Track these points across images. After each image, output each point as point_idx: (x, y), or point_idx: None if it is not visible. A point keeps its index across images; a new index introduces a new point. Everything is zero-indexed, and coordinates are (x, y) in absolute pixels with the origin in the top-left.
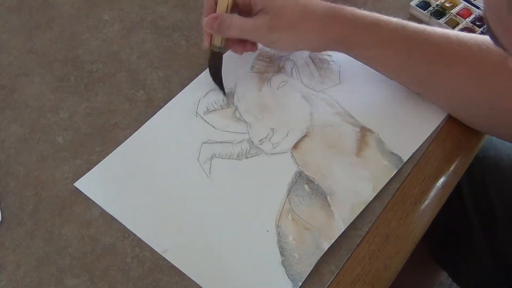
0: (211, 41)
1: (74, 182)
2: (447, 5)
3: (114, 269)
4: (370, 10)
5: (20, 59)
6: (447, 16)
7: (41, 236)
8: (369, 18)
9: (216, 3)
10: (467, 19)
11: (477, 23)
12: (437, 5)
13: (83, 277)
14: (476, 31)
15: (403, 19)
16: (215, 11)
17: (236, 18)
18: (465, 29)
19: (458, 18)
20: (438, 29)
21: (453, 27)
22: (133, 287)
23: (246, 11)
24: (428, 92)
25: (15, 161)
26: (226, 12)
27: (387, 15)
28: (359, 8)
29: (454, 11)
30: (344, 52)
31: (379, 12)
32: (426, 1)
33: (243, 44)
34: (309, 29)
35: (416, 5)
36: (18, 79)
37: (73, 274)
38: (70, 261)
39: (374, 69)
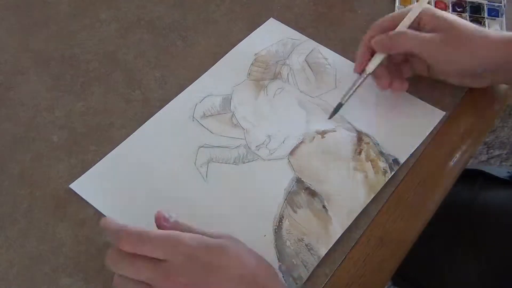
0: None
1: (69, 181)
2: None
3: (107, 269)
4: (364, 14)
5: (16, 57)
6: None
7: (34, 235)
8: None
9: (382, 31)
10: (448, 10)
11: (458, 9)
12: None
13: (77, 277)
14: (465, 18)
15: None
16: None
17: (410, 31)
18: None
19: None
20: None
21: None
22: None
23: None
24: None
25: (9, 160)
26: None
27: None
28: (356, 11)
29: None
30: None
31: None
32: (405, 6)
33: (391, 78)
34: (484, 46)
35: None
36: (13, 77)
37: (66, 274)
38: (64, 261)
39: None
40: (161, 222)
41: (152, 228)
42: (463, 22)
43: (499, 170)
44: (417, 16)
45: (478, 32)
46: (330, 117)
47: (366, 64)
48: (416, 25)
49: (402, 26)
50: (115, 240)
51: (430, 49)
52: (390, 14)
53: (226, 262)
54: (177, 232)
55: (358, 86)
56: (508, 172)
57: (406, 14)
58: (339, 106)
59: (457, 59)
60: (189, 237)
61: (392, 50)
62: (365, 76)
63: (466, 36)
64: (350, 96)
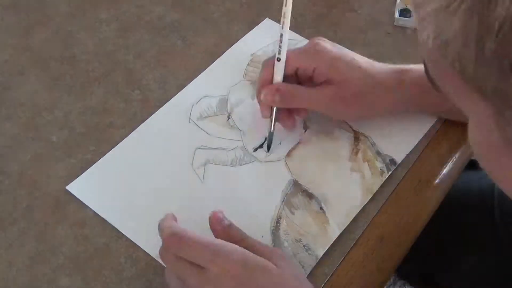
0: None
1: (68, 181)
2: None
3: (107, 269)
4: (364, 14)
5: (15, 57)
6: None
7: (34, 235)
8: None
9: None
10: None
11: None
12: None
13: (76, 277)
14: None
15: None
16: (270, 83)
17: (301, 89)
18: None
19: None
20: None
21: None
22: None
23: (305, 82)
24: None
25: (9, 160)
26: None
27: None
28: (356, 11)
29: None
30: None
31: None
32: (405, 9)
33: (291, 117)
34: (375, 99)
35: (399, 16)
36: (13, 77)
37: (66, 274)
38: (63, 261)
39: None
40: (214, 223)
41: (156, 237)
42: (354, 74)
43: None
44: (312, 62)
45: (367, 83)
46: (268, 150)
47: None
48: (310, 73)
49: (278, 77)
50: (162, 240)
51: (321, 106)
52: (266, 61)
53: (262, 284)
54: (220, 242)
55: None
56: None
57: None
58: (271, 136)
59: (347, 113)
60: (230, 250)
61: (282, 106)
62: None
63: (355, 91)
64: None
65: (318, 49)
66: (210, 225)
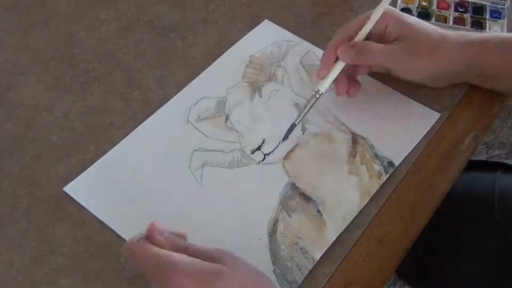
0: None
1: (68, 181)
2: (424, 4)
3: (107, 269)
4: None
5: (15, 57)
6: (433, 15)
7: (34, 235)
8: (501, 36)
9: (348, 37)
10: (450, 10)
11: (460, 10)
12: (417, 7)
13: (76, 277)
14: (466, 18)
15: None
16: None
17: (376, 44)
18: (456, 19)
19: (443, 12)
20: None
21: (445, 22)
22: None
23: (378, 41)
24: None
25: (9, 159)
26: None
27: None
28: (356, 11)
29: (434, 7)
30: (480, 81)
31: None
32: (406, 8)
33: (348, 84)
34: (446, 54)
35: None
36: (13, 77)
37: (66, 274)
38: (63, 261)
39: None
40: (154, 235)
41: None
42: (426, 29)
43: None
44: (383, 21)
45: (440, 38)
46: (284, 139)
47: (329, 70)
48: (382, 31)
49: (363, 33)
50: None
51: (395, 61)
52: (356, 18)
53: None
54: (169, 254)
55: (312, 105)
56: None
57: (369, 17)
58: (293, 126)
59: (421, 68)
60: (180, 260)
61: (357, 62)
62: (318, 95)
63: (429, 45)
64: (304, 115)
65: (388, 10)
66: (148, 237)
